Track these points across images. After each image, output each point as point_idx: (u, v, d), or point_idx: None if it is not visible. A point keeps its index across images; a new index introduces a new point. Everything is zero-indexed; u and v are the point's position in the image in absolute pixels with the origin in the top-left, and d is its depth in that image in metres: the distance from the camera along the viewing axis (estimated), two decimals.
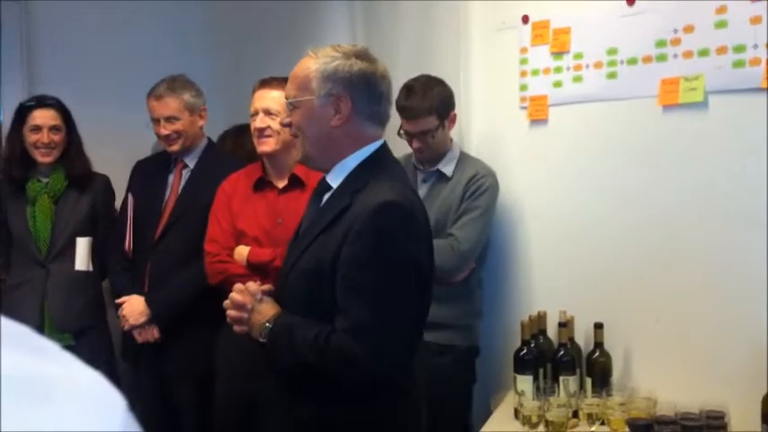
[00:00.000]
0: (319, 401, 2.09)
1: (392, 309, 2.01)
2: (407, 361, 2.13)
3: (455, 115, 3.39)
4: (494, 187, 3.34)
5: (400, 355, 2.07)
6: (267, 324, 2.11)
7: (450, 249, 3.19)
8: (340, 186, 2.15)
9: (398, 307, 2.02)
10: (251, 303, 2.16)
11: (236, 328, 2.21)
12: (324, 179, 2.23)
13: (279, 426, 2.23)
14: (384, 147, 2.22)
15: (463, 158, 3.41)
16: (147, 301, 3.50)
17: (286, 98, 2.22)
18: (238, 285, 2.22)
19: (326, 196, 2.21)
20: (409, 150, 3.42)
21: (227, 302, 2.21)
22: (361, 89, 2.14)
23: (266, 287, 2.21)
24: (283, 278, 2.21)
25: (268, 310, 2.15)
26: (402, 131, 3.31)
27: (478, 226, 3.26)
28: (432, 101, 3.26)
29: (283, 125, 2.27)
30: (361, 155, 2.16)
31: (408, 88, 3.28)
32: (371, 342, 1.97)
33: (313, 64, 2.14)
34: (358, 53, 2.18)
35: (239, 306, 2.18)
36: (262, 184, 3.26)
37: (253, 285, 2.19)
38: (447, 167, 3.37)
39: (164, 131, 3.55)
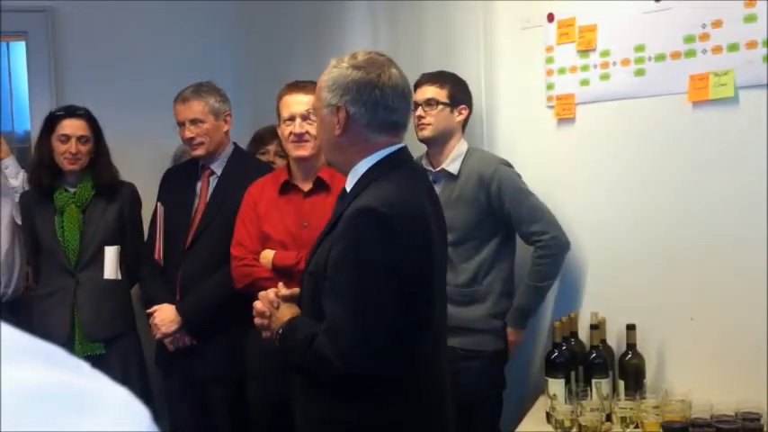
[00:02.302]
0: (332, 402, 2.17)
1: (365, 311, 2.05)
2: (383, 362, 2.09)
3: (468, 112, 3.42)
4: (509, 173, 3.32)
5: (373, 355, 2.06)
6: (280, 330, 2.22)
7: (545, 248, 3.25)
8: (353, 190, 2.20)
9: (372, 309, 2.05)
10: (269, 310, 2.29)
11: (263, 334, 2.34)
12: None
13: (302, 426, 2.30)
14: (398, 151, 2.23)
15: (469, 154, 3.40)
16: (178, 309, 3.51)
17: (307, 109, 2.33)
18: (261, 293, 2.34)
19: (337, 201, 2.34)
20: (420, 152, 3.44)
21: (254, 311, 2.34)
22: (357, 98, 2.17)
23: (288, 292, 2.31)
24: (300, 280, 2.34)
25: (284, 315, 2.25)
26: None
27: (537, 207, 3.28)
28: (444, 77, 3.40)
29: (305, 140, 2.38)
30: (371, 160, 2.20)
31: None
32: (342, 343, 2.03)
33: (325, 74, 2.23)
34: (357, 63, 2.20)
35: (261, 314, 2.31)
36: (287, 188, 3.27)
37: (271, 293, 2.31)
38: (452, 166, 3.37)
39: (188, 134, 3.57)
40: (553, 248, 3.26)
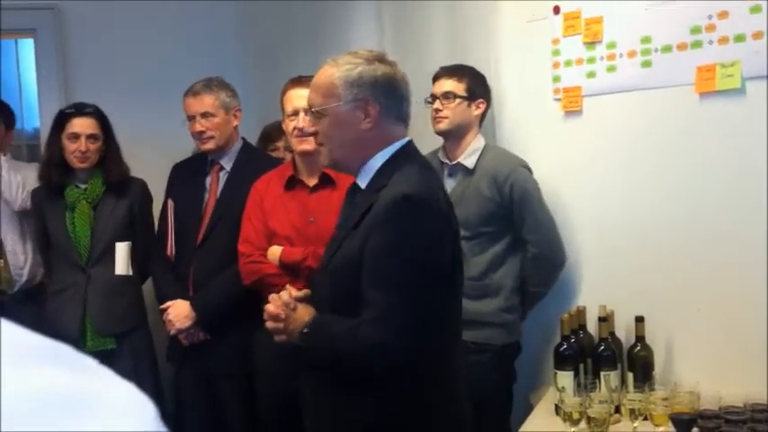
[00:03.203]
0: (377, 401, 2.14)
1: (413, 297, 2.06)
2: (425, 347, 2.12)
3: (485, 106, 3.43)
4: (525, 176, 3.33)
5: (422, 341, 2.09)
6: (305, 330, 2.15)
7: (534, 260, 3.32)
8: (368, 185, 2.22)
9: (419, 295, 2.07)
10: (285, 313, 2.19)
11: (277, 338, 2.24)
12: (354, 181, 2.31)
13: (332, 427, 2.26)
14: (409, 143, 2.28)
15: (486, 150, 3.41)
16: (192, 305, 3.52)
17: (310, 107, 2.27)
18: (272, 296, 2.26)
19: (358, 196, 2.28)
20: (435, 147, 3.46)
21: (265, 314, 2.25)
22: (387, 91, 2.22)
23: (300, 293, 2.24)
24: (321, 276, 2.28)
25: (303, 315, 2.18)
26: (429, 98, 3.39)
27: (540, 218, 3.31)
28: (463, 71, 3.41)
29: (308, 134, 2.31)
30: (386, 154, 2.23)
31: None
32: (395, 328, 2.03)
33: (336, 71, 2.21)
34: (379, 57, 2.25)
35: (274, 317, 2.21)
36: (293, 183, 3.27)
37: (285, 294, 2.23)
38: (468, 160, 3.38)
39: (199, 127, 3.57)
40: (541, 263, 3.33)
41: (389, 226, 2.07)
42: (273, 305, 2.22)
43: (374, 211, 2.11)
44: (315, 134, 2.26)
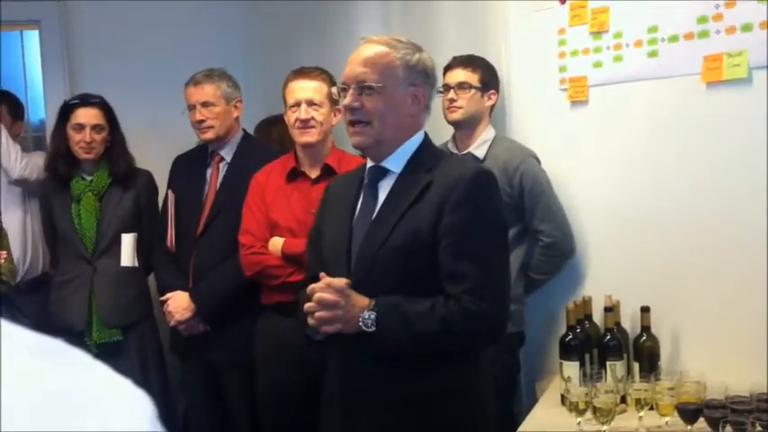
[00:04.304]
0: (430, 374, 2.16)
1: (499, 266, 2.21)
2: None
3: (496, 97, 3.46)
4: (534, 167, 3.35)
5: (507, 311, 2.25)
6: (370, 313, 2.11)
7: (547, 248, 3.36)
8: (408, 168, 2.25)
9: (503, 264, 2.23)
10: (343, 300, 2.13)
11: (327, 328, 2.16)
12: (375, 166, 2.30)
13: (377, 412, 2.19)
14: (426, 132, 2.36)
15: (496, 141, 3.43)
16: (192, 296, 3.52)
17: (362, 81, 2.22)
18: (319, 286, 2.16)
19: (386, 180, 2.28)
20: (444, 140, 3.46)
21: (311, 305, 2.15)
22: (431, 81, 2.33)
23: (345, 280, 2.16)
24: (370, 259, 2.20)
25: (360, 300, 2.14)
26: (441, 88, 3.38)
27: (551, 207, 3.34)
28: (476, 61, 3.44)
29: (352, 108, 2.23)
30: (417, 140, 2.30)
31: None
32: (494, 298, 2.13)
33: (394, 53, 2.24)
34: (419, 46, 2.32)
35: (331, 305, 2.13)
36: (295, 175, 3.27)
37: (337, 281, 2.15)
38: (479, 150, 3.41)
39: (199, 116, 3.57)
40: (554, 251, 3.36)
41: (474, 202, 2.14)
42: (328, 293, 2.13)
43: (440, 188, 2.15)
44: (359, 108, 2.22)
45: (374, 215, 2.25)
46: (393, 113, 2.23)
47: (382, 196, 2.27)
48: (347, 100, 2.23)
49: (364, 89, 2.21)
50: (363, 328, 2.11)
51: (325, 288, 2.14)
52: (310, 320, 2.18)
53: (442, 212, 2.12)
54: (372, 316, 2.10)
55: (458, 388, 2.20)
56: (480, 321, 2.11)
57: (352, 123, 2.25)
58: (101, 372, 0.61)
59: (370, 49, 2.25)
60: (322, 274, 2.19)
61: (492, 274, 2.15)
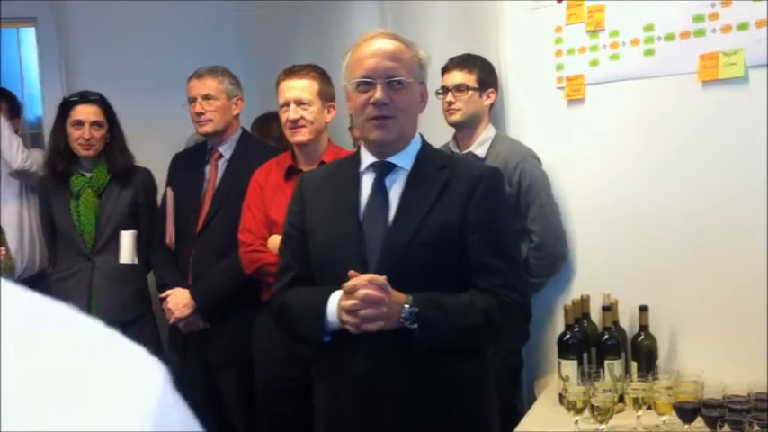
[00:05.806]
0: (458, 365, 2.20)
1: (518, 258, 2.39)
2: None
3: (495, 95, 3.47)
4: (534, 166, 3.36)
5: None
6: (411, 308, 2.07)
7: (536, 250, 3.35)
8: (417, 165, 2.27)
9: (519, 255, 2.47)
10: (387, 296, 2.06)
11: (369, 326, 2.06)
12: (380, 161, 2.27)
13: (401, 406, 2.16)
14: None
15: (497, 140, 3.44)
16: (191, 293, 3.53)
17: (393, 75, 2.19)
18: (361, 282, 2.07)
19: (394, 176, 2.26)
20: (443, 141, 3.46)
21: (353, 302, 2.06)
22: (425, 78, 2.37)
23: (385, 276, 2.09)
24: (398, 254, 2.16)
25: (398, 296, 2.08)
26: (440, 89, 3.41)
27: (545, 209, 3.35)
28: (473, 61, 3.44)
29: (383, 103, 2.18)
30: (418, 137, 2.34)
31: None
32: (521, 289, 2.24)
33: (416, 50, 2.29)
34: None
35: (376, 302, 2.05)
36: (292, 173, 3.27)
37: (377, 278, 2.07)
38: (479, 149, 3.42)
39: (199, 108, 3.57)
40: (543, 253, 3.36)
41: (496, 199, 2.26)
42: (371, 289, 2.05)
43: (460, 184, 2.20)
44: (388, 103, 2.18)
45: (393, 211, 2.20)
46: (413, 109, 2.28)
47: (394, 193, 2.23)
48: (379, 95, 2.16)
49: (393, 84, 2.19)
50: (405, 324, 2.06)
51: (368, 284, 2.05)
52: (350, 318, 2.07)
53: (467, 209, 2.16)
54: (414, 310, 2.06)
55: (478, 376, 2.29)
56: (514, 311, 2.21)
57: (376, 117, 2.19)
58: (114, 339, 0.61)
59: (390, 44, 2.22)
60: (352, 272, 2.09)
61: (516, 265, 2.28)
